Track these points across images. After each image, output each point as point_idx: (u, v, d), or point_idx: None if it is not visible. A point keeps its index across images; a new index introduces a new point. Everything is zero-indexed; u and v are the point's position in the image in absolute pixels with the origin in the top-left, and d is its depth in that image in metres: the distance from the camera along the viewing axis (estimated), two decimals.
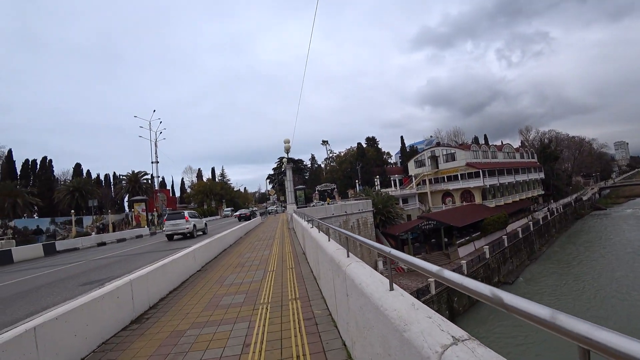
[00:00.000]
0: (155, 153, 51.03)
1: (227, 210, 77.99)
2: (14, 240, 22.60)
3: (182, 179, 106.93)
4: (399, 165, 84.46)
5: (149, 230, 34.96)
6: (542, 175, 65.64)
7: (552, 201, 64.59)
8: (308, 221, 12.68)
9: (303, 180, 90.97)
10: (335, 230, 4.88)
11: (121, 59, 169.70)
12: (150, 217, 47.85)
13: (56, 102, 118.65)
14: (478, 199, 51.24)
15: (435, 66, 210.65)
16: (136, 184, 59.81)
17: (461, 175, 53.44)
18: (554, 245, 43.48)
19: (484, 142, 74.87)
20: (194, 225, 19.45)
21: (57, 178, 70.14)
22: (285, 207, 77.25)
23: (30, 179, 67.06)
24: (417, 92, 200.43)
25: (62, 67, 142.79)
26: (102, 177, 79.43)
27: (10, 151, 62.86)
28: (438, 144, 64.99)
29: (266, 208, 77.10)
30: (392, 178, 64.76)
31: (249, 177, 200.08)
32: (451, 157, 56.18)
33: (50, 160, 73.43)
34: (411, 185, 58.77)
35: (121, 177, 66.58)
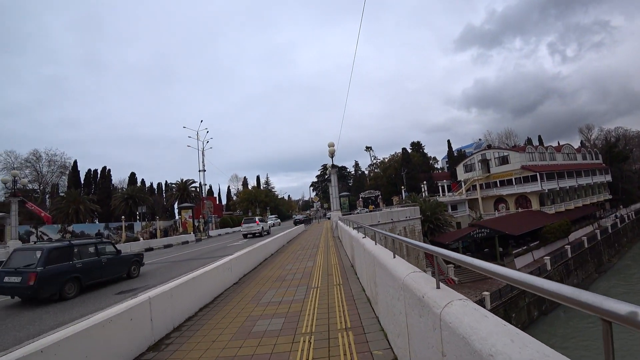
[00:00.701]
0: (202, 162, 52.47)
1: (271, 217, 78.76)
2: None
3: (229, 187, 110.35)
4: (446, 170, 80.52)
5: (195, 236, 35.59)
6: (608, 177, 58.93)
7: (621, 207, 57.69)
8: (355, 228, 11.49)
9: (347, 187, 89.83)
10: (403, 241, 3.69)
11: (174, 76, 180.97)
12: (197, 224, 49.23)
13: (116, 117, 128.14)
14: (535, 205, 46.80)
15: (482, 66, 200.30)
16: (185, 191, 62.04)
17: (516, 179, 49.27)
18: (625, 257, 38.22)
19: (538, 144, 68.86)
20: (262, 227, 24.87)
21: (115, 186, 74.94)
22: (326, 214, 76.84)
23: (92, 187, 72.42)
24: (463, 94, 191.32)
25: (122, 86, 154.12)
26: (154, 186, 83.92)
27: (75, 162, 68.07)
28: (489, 147, 60.76)
29: (309, 215, 76.74)
30: (439, 184, 61.61)
31: (292, 185, 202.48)
32: (504, 160, 52.04)
33: (109, 170, 78.69)
34: (460, 190, 55.33)
35: (171, 185, 69.51)
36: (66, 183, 66.17)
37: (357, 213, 43.97)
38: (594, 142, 75.48)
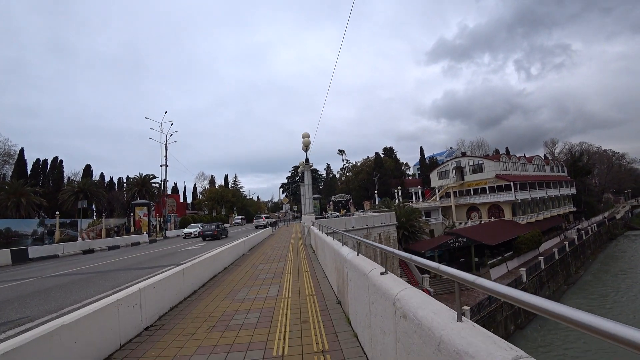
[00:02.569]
0: (165, 156, 48.64)
1: (237, 219, 75.14)
2: None
3: (195, 185, 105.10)
4: (417, 177, 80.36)
5: (149, 237, 32.00)
6: (573, 190, 60.53)
7: (583, 219, 59.34)
8: (328, 234, 9.18)
9: (318, 190, 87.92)
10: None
11: (144, 68, 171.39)
12: (154, 223, 45.18)
13: (80, 107, 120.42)
14: (508, 215, 46.73)
15: (452, 79, 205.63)
16: (143, 187, 57.26)
17: (489, 188, 49.11)
18: (589, 271, 38.36)
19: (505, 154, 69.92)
20: (267, 222, 30.68)
21: (70, 179, 68.80)
22: (294, 217, 74.33)
23: (40, 179, 66.01)
24: (433, 105, 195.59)
25: (89, 75, 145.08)
26: (115, 181, 78.24)
27: (22, 150, 61.84)
28: (464, 154, 60.61)
29: (278, 217, 73.81)
30: (411, 190, 60.81)
31: (262, 186, 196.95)
32: (478, 169, 51.87)
33: (61, 161, 72.17)
34: (434, 197, 54.60)
35: (130, 180, 64.53)
36: (8, 173, 59.94)
37: (328, 217, 41.90)
38: (557, 156, 77.89)
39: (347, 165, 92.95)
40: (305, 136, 18.14)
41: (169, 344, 4.23)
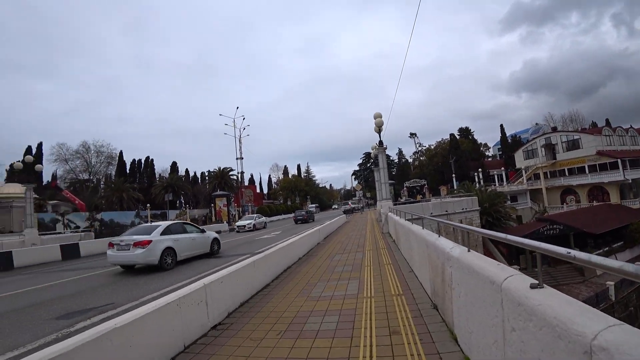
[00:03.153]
0: (240, 149, 50.83)
1: (311, 207, 76.36)
2: (93, 233, 22.31)
3: (269, 176, 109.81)
4: (498, 158, 73.21)
5: (229, 226, 33.73)
6: None
7: None
8: (411, 220, 7.99)
9: (390, 176, 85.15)
10: None
11: (215, 71, 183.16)
12: (233, 213, 47.87)
13: (163, 112, 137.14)
14: (614, 198, 39.84)
15: (532, 46, 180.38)
16: (222, 179, 61.12)
17: (589, 167, 42.40)
18: None
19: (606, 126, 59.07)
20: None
21: (161, 175, 76.47)
22: (367, 204, 73.05)
23: (136, 176, 74.55)
24: (511, 78, 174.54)
25: (167, 83, 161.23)
26: (198, 175, 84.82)
27: (121, 153, 70.24)
28: (554, 129, 53.20)
29: (350, 205, 73.51)
30: (492, 172, 55.52)
31: (334, 174, 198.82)
32: (573, 145, 45.08)
33: (152, 160, 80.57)
34: (520, 180, 49.08)
35: (210, 173, 69.28)
36: (113, 173, 68.43)
37: (402, 203, 40.07)
38: None
39: (420, 149, 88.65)
40: (378, 116, 16.53)
41: (235, 350, 3.65)
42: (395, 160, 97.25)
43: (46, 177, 59.83)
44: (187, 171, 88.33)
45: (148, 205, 28.12)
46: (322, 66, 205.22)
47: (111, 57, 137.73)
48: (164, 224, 10.82)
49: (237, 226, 28.63)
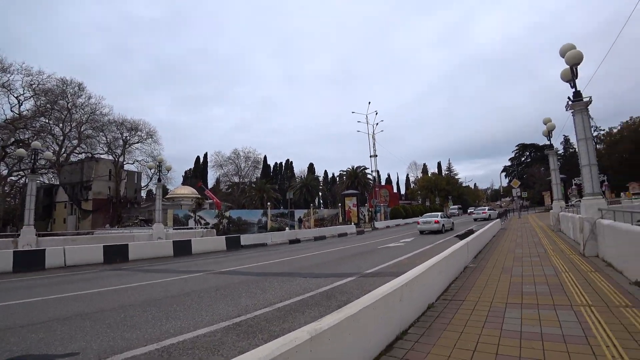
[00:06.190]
0: (373, 146, 47.51)
1: (453, 208, 67.41)
2: (214, 230, 22.27)
3: (407, 175, 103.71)
4: None
5: (357, 227, 30.62)
6: None
7: None
8: None
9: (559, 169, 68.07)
10: None
11: (354, 76, 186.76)
12: (365, 213, 44.92)
13: (309, 120, 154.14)
14: None
15: None
16: (355, 178, 59.15)
17: None
18: None
19: None
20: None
21: (301, 177, 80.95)
22: (522, 205, 59.19)
23: (278, 178, 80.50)
24: None
25: (312, 93, 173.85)
26: (336, 176, 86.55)
27: (265, 157, 77.12)
28: None
29: (500, 207, 61.28)
30: None
31: (479, 172, 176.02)
32: None
33: (292, 162, 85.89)
34: None
35: (342, 172, 68.59)
36: (259, 175, 75.13)
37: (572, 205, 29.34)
38: None
39: (595, 133, 68.07)
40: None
41: None
42: (561, 152, 77.58)
43: (211, 182, 70.63)
44: (325, 172, 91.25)
45: (269, 203, 27.75)
46: (461, 55, 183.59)
47: (264, 80, 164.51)
48: (439, 213, 24.23)
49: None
